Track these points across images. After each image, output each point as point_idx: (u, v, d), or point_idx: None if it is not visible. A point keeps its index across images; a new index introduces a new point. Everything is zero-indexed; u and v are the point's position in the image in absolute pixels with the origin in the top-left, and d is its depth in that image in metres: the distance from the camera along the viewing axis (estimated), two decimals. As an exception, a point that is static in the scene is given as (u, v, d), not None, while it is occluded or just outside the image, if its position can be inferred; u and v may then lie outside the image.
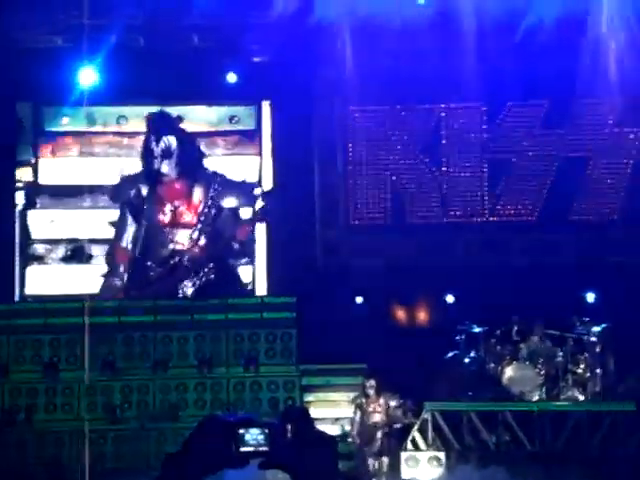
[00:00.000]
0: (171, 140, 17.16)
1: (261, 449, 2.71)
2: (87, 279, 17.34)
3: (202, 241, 17.08)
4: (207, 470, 2.68)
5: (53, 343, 15.52)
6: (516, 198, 17.23)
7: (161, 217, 17.17)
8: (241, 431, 2.70)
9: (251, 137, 17.82)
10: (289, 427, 2.60)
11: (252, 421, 2.65)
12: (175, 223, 17.14)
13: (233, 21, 16.97)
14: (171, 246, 17.09)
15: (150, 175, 17.16)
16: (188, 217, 17.19)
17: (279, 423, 2.60)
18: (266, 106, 17.78)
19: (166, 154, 17.10)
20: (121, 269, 17.20)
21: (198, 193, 17.26)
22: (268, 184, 17.68)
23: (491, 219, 17.25)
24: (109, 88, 16.88)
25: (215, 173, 17.38)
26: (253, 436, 2.68)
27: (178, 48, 17.07)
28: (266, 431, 2.66)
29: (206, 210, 17.14)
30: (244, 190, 17.47)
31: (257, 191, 17.54)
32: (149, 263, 17.07)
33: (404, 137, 17.33)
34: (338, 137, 17.64)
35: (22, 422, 14.86)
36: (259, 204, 17.43)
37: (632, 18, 16.49)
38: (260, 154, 17.76)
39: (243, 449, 2.72)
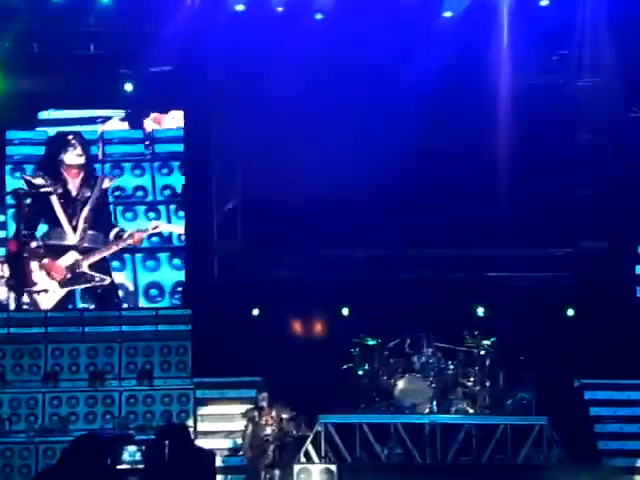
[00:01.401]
0: None
1: (137, 466, 2.69)
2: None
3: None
4: (82, 488, 2.66)
5: (-60, 357, 15.12)
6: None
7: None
8: (117, 448, 2.67)
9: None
10: (166, 443, 2.60)
11: (128, 438, 2.63)
12: None
13: (131, 30, 16.83)
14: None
15: None
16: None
17: (156, 439, 2.58)
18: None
19: None
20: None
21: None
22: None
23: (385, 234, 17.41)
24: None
25: None
26: (129, 453, 2.65)
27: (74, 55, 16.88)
28: (142, 448, 2.64)
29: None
30: None
31: None
32: None
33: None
34: (237, 150, 17.63)
35: None
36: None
37: None
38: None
39: (119, 467, 2.69)
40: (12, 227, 17.12)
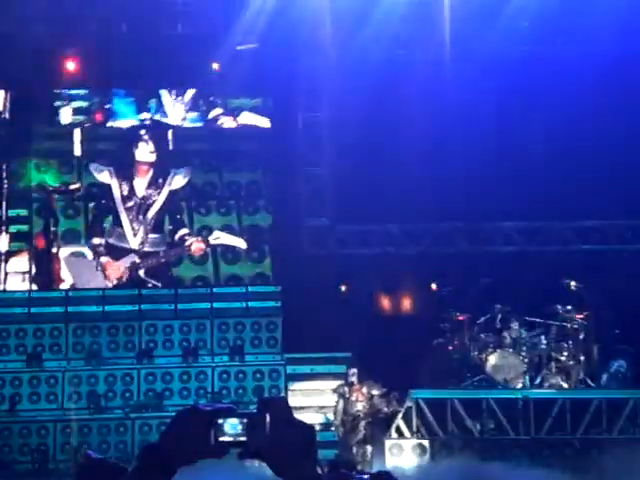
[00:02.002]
0: None
1: (239, 439, 2.71)
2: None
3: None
4: (185, 460, 2.67)
5: (37, 333, 15.46)
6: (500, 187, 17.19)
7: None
8: (220, 421, 2.69)
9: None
10: (267, 416, 2.61)
11: (231, 411, 2.65)
12: None
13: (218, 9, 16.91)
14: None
15: None
16: None
17: (257, 412, 2.60)
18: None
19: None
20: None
21: None
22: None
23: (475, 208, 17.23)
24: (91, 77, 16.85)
25: None
26: (231, 426, 2.68)
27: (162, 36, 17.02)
28: (244, 421, 2.66)
29: None
30: None
31: None
32: None
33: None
34: (324, 129, 17.60)
35: (6, 412, 14.81)
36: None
37: None
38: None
39: (222, 439, 2.72)
40: (38, 222, 16.82)
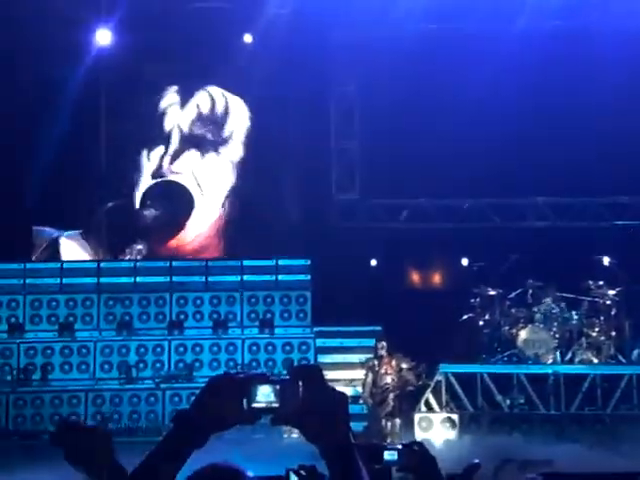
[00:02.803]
0: None
1: (272, 405, 2.70)
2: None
3: None
4: (218, 426, 2.66)
5: (69, 303, 15.58)
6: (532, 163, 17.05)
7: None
8: (252, 388, 2.69)
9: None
10: (300, 383, 2.60)
11: (263, 378, 2.64)
12: None
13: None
14: None
15: None
16: None
17: (290, 379, 2.59)
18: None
19: None
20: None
21: None
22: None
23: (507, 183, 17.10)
24: (125, 49, 16.82)
25: None
26: (264, 393, 2.67)
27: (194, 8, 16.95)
28: (277, 387, 2.65)
29: None
30: None
31: None
32: None
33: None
34: (355, 103, 17.51)
35: (38, 381, 14.97)
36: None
37: None
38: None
39: (254, 405, 2.71)
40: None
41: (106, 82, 16.59)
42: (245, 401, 2.97)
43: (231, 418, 2.96)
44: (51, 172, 15.59)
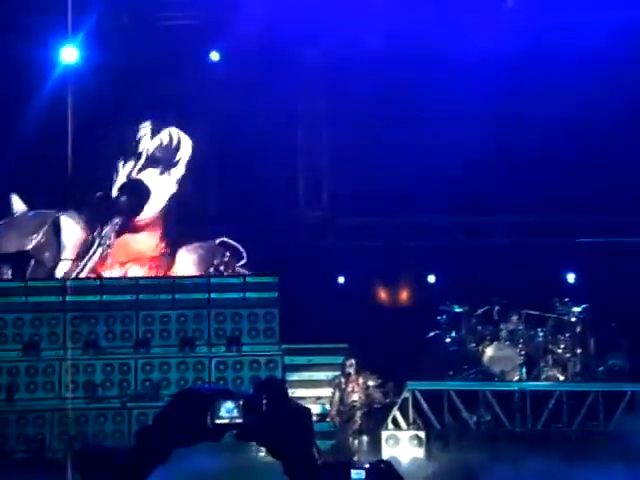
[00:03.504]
0: None
1: (236, 421, 2.71)
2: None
3: None
4: (181, 442, 2.67)
5: (34, 322, 15.47)
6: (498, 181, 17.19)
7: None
8: (216, 403, 2.69)
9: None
10: (264, 398, 2.61)
11: (227, 393, 2.64)
12: None
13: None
14: None
15: None
16: None
17: (254, 394, 2.60)
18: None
19: None
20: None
21: None
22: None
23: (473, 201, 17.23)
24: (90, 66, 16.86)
25: None
26: (228, 408, 2.68)
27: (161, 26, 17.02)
28: (241, 403, 2.66)
29: None
30: None
31: None
32: None
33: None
34: (323, 118, 17.59)
35: (3, 401, 14.82)
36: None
37: None
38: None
39: (218, 421, 2.71)
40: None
41: (76, 100, 16.86)
42: (209, 417, 2.98)
43: (194, 434, 2.98)
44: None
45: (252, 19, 16.77)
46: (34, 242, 17.36)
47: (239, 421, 2.91)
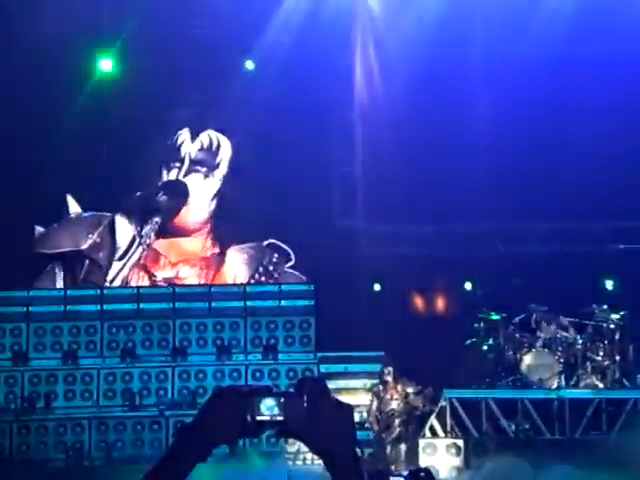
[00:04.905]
0: None
1: (276, 418, 2.69)
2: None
3: None
4: (222, 439, 2.66)
5: (72, 330, 15.57)
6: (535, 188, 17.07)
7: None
8: (256, 400, 2.69)
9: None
10: (305, 396, 2.60)
11: (267, 390, 2.63)
12: None
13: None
14: None
15: None
16: None
17: (295, 392, 2.59)
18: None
19: None
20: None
21: None
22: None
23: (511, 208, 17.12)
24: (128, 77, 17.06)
25: None
26: (268, 405, 2.66)
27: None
28: (281, 400, 2.65)
29: None
30: None
31: None
32: None
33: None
34: (358, 129, 17.59)
35: (41, 409, 14.91)
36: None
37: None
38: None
39: (258, 418, 2.71)
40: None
41: (115, 110, 17.19)
42: (249, 414, 2.96)
43: (234, 431, 2.95)
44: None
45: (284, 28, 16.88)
46: (89, 242, 17.68)
47: (280, 418, 2.88)
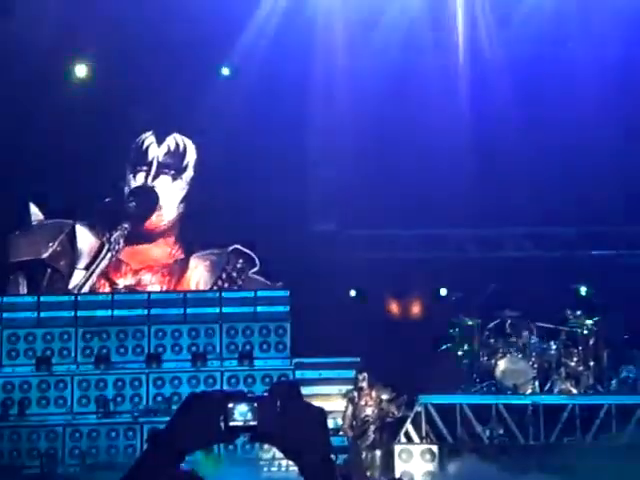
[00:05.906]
0: None
1: (250, 423, 2.69)
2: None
3: None
4: (195, 446, 2.65)
5: (46, 337, 15.48)
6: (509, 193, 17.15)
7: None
8: (230, 405, 2.68)
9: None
10: (278, 401, 2.59)
11: (240, 395, 2.62)
12: None
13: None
14: None
15: None
16: None
17: (268, 397, 2.58)
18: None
19: None
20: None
21: None
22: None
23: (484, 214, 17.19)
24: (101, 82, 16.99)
25: None
26: (241, 411, 2.66)
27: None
28: (254, 405, 2.64)
29: None
30: None
31: None
32: None
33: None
34: (334, 134, 17.60)
35: (15, 416, 14.81)
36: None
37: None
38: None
39: (232, 424, 2.70)
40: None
41: (84, 115, 17.05)
42: (222, 420, 2.95)
43: (208, 436, 2.94)
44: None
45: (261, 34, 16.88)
46: (50, 251, 17.47)
47: (253, 423, 2.88)
